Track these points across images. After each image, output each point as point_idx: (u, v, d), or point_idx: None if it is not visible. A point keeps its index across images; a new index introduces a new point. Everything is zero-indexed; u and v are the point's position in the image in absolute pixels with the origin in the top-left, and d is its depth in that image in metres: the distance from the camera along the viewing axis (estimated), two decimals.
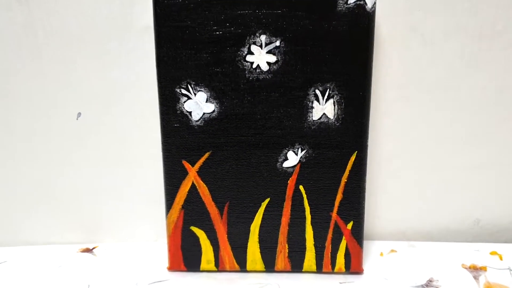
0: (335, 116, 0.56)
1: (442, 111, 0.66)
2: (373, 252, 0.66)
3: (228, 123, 0.56)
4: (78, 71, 0.64)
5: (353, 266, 0.61)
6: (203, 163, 0.57)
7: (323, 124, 0.56)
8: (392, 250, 0.67)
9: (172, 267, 0.61)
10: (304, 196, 0.58)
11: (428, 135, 0.67)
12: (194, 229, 0.59)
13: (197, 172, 0.58)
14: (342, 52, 0.54)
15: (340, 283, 0.58)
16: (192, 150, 0.57)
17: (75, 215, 0.69)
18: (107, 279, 0.59)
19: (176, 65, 0.55)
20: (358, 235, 0.60)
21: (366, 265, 0.63)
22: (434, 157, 0.67)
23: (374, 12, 0.53)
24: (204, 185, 0.58)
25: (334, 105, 0.56)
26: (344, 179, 0.58)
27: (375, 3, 0.53)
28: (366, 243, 0.66)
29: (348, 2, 0.53)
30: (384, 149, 0.67)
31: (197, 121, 0.56)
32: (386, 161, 0.67)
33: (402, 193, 0.69)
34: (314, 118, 0.56)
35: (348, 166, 0.57)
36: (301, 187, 0.58)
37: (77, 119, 0.65)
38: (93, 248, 0.68)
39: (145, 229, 0.70)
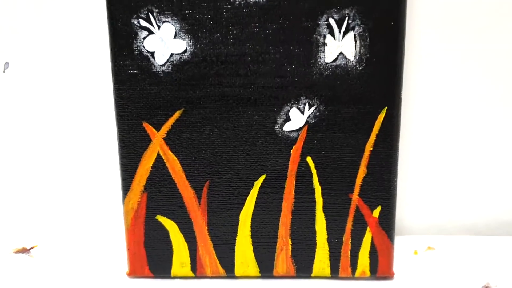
0: (357, 57, 0.42)
1: (495, 59, 0.50)
2: (404, 250, 0.54)
3: (207, 68, 0.42)
4: None
5: (380, 269, 0.47)
6: (172, 126, 0.44)
7: (340, 69, 0.42)
8: (430, 247, 0.55)
9: (133, 272, 0.48)
10: (314, 171, 0.45)
11: (479, 92, 0.51)
12: (162, 220, 0.46)
13: (164, 139, 0.44)
14: None
15: None
16: (157, 107, 0.43)
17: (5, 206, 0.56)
18: (47, 283, 0.47)
19: None
20: (388, 225, 0.46)
21: (397, 267, 0.50)
22: (485, 121, 0.52)
23: None
24: (175, 158, 0.45)
25: (355, 41, 0.42)
26: (369, 147, 0.44)
27: None
28: (395, 239, 0.50)
29: None
30: (418, 108, 0.51)
31: (162, 65, 0.42)
32: (419, 126, 0.52)
33: (441, 171, 0.56)
34: (327, 60, 0.42)
35: (374, 128, 0.44)
36: (309, 159, 0.44)
37: (4, 71, 0.49)
38: (31, 248, 0.54)
39: (96, 222, 0.57)
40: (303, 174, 0.45)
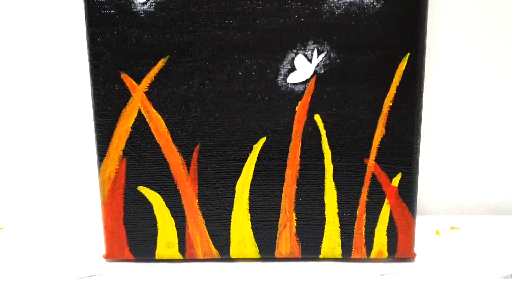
0: None
1: None
2: (424, 230, 0.48)
3: (196, 6, 0.36)
4: None
5: (400, 249, 0.41)
6: (155, 78, 0.37)
7: (355, 6, 0.36)
8: (453, 227, 0.48)
9: (111, 255, 0.42)
10: (323, 132, 0.38)
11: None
12: (144, 191, 0.40)
13: (146, 93, 0.38)
14: None
15: (382, 275, 0.40)
16: (138, 55, 0.37)
17: None
18: (10, 273, 0.40)
19: None
20: (409, 196, 0.40)
21: (418, 249, 0.44)
22: None
23: None
24: (159, 117, 0.38)
25: None
26: (388, 102, 0.38)
27: None
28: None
29: None
30: (444, 60, 0.45)
31: (144, 3, 0.36)
32: (445, 82, 0.46)
33: (465, 144, 0.49)
34: None
35: (394, 80, 0.38)
36: (317, 118, 0.38)
37: None
38: None
39: (68, 195, 0.50)
40: (311, 136, 0.38)
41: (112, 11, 0.36)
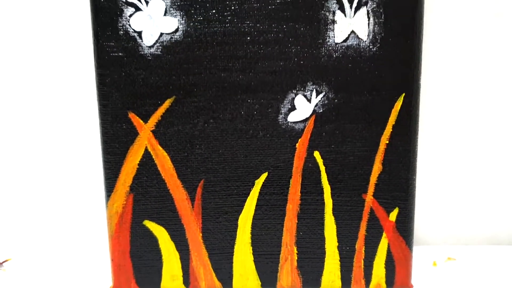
0: (370, 36, 0.38)
1: None
2: (421, 261, 0.49)
3: (201, 50, 0.38)
4: None
5: (398, 281, 0.43)
6: (161, 117, 0.39)
7: (352, 50, 0.37)
8: (449, 258, 0.49)
9: (118, 286, 0.42)
10: (322, 168, 0.40)
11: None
12: (150, 225, 0.41)
13: (153, 132, 0.39)
14: None
15: None
16: (145, 95, 0.38)
17: None
18: None
19: None
20: (406, 230, 0.41)
21: (415, 280, 0.45)
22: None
23: None
24: (165, 154, 0.40)
25: (369, 18, 0.37)
26: (384, 140, 0.40)
27: None
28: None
29: None
30: (438, 96, 0.46)
31: (151, 47, 0.38)
32: (439, 117, 0.47)
33: (461, 175, 0.50)
34: (337, 40, 0.37)
35: (390, 119, 0.39)
36: (316, 155, 0.40)
37: None
38: (3, 262, 0.49)
39: (77, 229, 0.51)
40: (310, 172, 0.40)
41: (120, 54, 0.37)
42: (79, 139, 0.48)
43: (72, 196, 0.50)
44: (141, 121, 0.39)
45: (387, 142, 0.39)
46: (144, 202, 0.40)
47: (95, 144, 0.41)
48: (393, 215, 0.40)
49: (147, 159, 0.39)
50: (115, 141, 0.39)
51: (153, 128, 0.39)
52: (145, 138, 0.39)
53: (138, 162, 0.39)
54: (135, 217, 0.40)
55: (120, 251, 0.41)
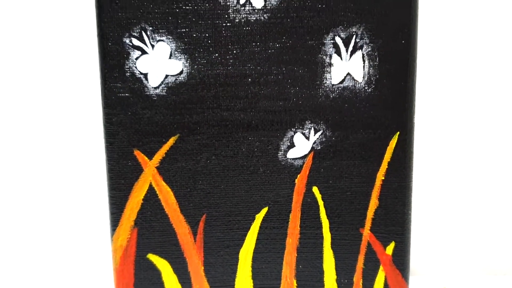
0: (365, 78, 0.39)
1: None
2: None
3: (204, 91, 0.39)
4: None
5: None
6: (166, 154, 0.40)
7: (348, 91, 0.39)
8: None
9: None
10: (321, 203, 0.41)
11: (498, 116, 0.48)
12: (154, 258, 0.42)
13: (157, 168, 0.41)
14: None
15: None
16: (150, 134, 0.40)
17: None
18: None
19: (125, 2, 0.38)
20: (402, 263, 0.43)
21: None
22: (503, 152, 0.49)
23: None
24: (168, 189, 0.41)
25: (364, 61, 0.39)
26: (380, 176, 0.41)
27: None
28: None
29: None
30: (433, 133, 0.48)
31: (156, 88, 0.39)
32: (433, 152, 0.48)
33: (453, 206, 0.52)
34: (333, 82, 0.39)
35: (386, 156, 0.41)
36: (315, 190, 0.41)
37: None
38: None
39: (82, 261, 0.52)
40: (309, 207, 0.41)
41: (127, 94, 0.39)
42: (86, 175, 0.50)
43: (78, 230, 0.52)
44: (146, 158, 0.40)
45: (383, 178, 0.40)
46: (148, 236, 0.41)
47: (101, 180, 0.43)
48: (390, 249, 0.41)
49: (151, 195, 0.41)
50: (121, 177, 0.40)
51: (158, 164, 0.40)
52: (150, 174, 0.40)
53: (142, 197, 0.41)
54: (139, 250, 0.41)
55: (124, 284, 0.42)
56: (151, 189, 0.40)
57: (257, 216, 0.41)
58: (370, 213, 0.41)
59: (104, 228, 0.45)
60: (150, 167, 0.40)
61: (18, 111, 0.50)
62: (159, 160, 0.40)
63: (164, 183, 0.40)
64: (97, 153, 0.45)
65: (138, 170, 0.40)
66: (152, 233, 0.41)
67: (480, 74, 0.49)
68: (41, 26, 0.49)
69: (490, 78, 0.50)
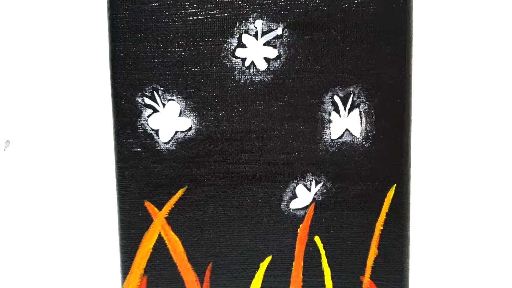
0: (363, 134, 0.41)
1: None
2: None
3: (211, 145, 0.42)
4: None
5: None
6: (175, 205, 0.42)
7: (346, 145, 0.41)
8: None
9: None
10: (322, 252, 0.43)
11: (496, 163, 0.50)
12: None
13: (167, 218, 0.43)
14: (369, 42, 0.40)
15: None
16: (160, 186, 0.42)
17: None
18: None
19: (138, 64, 0.41)
20: None
21: None
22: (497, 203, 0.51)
23: None
24: (176, 239, 0.43)
25: (361, 118, 0.41)
26: (379, 226, 0.43)
27: None
28: None
29: None
30: (429, 184, 0.50)
31: (166, 143, 0.41)
32: (429, 202, 0.50)
33: (452, 252, 0.53)
34: (333, 137, 0.41)
35: (384, 206, 0.43)
36: (317, 239, 0.43)
37: (4, 149, 0.49)
38: None
39: None
40: (311, 255, 0.43)
41: (139, 149, 0.42)
42: (98, 225, 0.52)
43: (89, 278, 0.53)
44: (156, 209, 0.42)
45: (382, 228, 0.42)
46: (157, 284, 0.43)
47: (112, 229, 0.45)
48: None
49: (160, 244, 0.43)
50: (132, 227, 0.42)
51: (167, 215, 0.42)
52: (159, 225, 0.42)
53: (152, 247, 0.43)
54: None
55: None
56: (160, 239, 0.42)
57: (261, 264, 0.43)
58: (370, 262, 0.43)
59: (115, 275, 0.47)
60: (159, 217, 0.42)
61: (36, 174, 0.53)
62: (168, 211, 0.42)
63: (172, 233, 0.42)
64: (109, 204, 0.47)
65: (148, 221, 0.42)
66: (161, 281, 0.43)
67: (471, 128, 0.52)
68: (58, 86, 0.52)
69: (482, 132, 0.52)
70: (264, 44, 0.40)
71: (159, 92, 0.41)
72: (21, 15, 0.50)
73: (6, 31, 0.51)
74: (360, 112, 0.41)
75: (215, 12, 0.40)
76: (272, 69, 0.41)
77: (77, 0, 0.50)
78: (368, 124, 0.41)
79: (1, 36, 0.51)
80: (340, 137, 0.41)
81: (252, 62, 0.40)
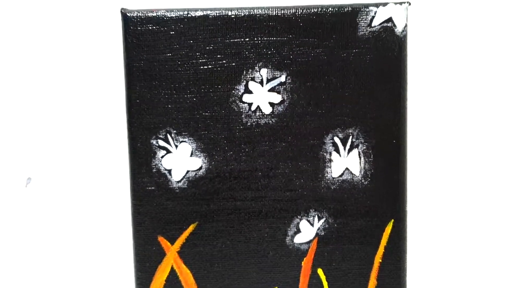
0: (362, 172, 0.44)
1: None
2: None
3: (220, 183, 0.44)
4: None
5: None
6: (186, 239, 0.45)
7: (346, 183, 0.44)
8: None
9: None
10: (325, 284, 0.45)
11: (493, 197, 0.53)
12: None
13: (179, 252, 0.45)
14: (366, 88, 0.44)
15: None
16: (172, 222, 0.45)
17: None
18: None
19: (152, 109, 0.44)
20: None
21: None
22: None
23: (405, 36, 0.42)
24: (188, 271, 0.45)
25: (360, 157, 0.44)
26: (378, 259, 0.45)
27: (406, 25, 0.42)
28: None
29: (372, 25, 0.42)
30: (426, 218, 0.52)
31: (178, 181, 0.44)
32: (426, 236, 0.53)
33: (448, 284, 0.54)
34: (333, 175, 0.44)
35: (382, 240, 0.45)
36: (320, 272, 0.45)
37: (26, 186, 0.52)
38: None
39: None
40: (315, 287, 0.45)
41: (153, 188, 0.45)
42: (115, 259, 0.55)
43: None
44: (169, 244, 0.45)
45: (380, 260, 0.45)
46: None
47: (128, 263, 0.47)
48: None
49: (173, 276, 0.45)
50: (146, 261, 0.45)
51: (179, 249, 0.45)
52: (172, 258, 0.45)
53: (165, 278, 0.45)
54: None
55: None
56: (172, 271, 0.45)
57: None
58: None
59: None
60: (172, 251, 0.45)
61: (58, 209, 0.56)
62: (180, 245, 0.45)
63: (184, 266, 0.45)
64: (125, 239, 0.50)
65: (161, 254, 0.45)
66: None
67: (463, 167, 0.55)
68: (81, 129, 0.55)
69: (475, 171, 0.55)
70: (269, 90, 0.44)
71: (172, 135, 0.44)
72: (48, 63, 0.54)
73: (31, 78, 0.54)
74: (359, 152, 0.44)
75: (224, 62, 0.43)
76: (276, 113, 0.44)
77: (96, 50, 0.53)
78: (366, 163, 0.44)
79: (27, 84, 0.54)
80: (340, 175, 0.44)
81: (258, 106, 0.44)
